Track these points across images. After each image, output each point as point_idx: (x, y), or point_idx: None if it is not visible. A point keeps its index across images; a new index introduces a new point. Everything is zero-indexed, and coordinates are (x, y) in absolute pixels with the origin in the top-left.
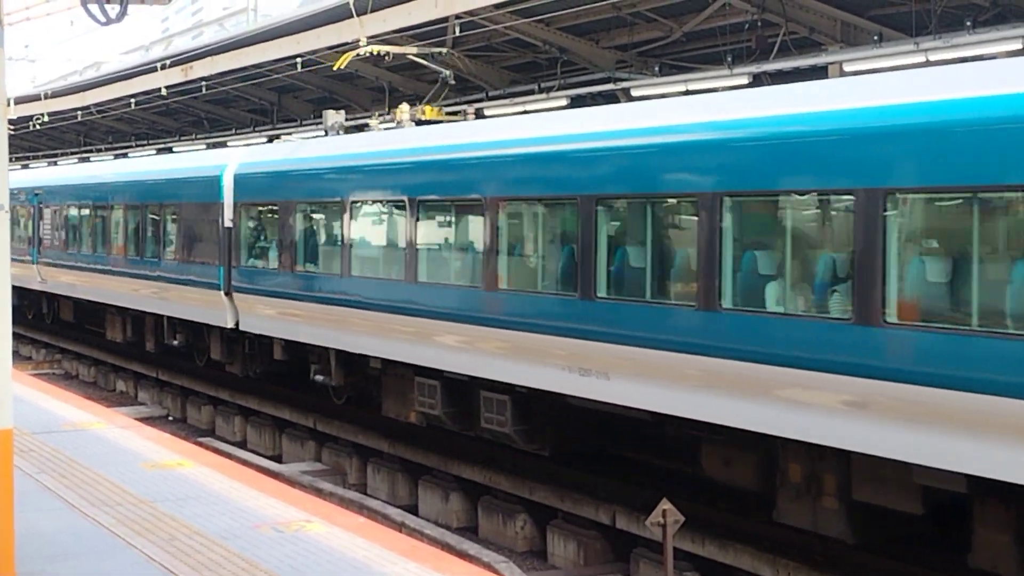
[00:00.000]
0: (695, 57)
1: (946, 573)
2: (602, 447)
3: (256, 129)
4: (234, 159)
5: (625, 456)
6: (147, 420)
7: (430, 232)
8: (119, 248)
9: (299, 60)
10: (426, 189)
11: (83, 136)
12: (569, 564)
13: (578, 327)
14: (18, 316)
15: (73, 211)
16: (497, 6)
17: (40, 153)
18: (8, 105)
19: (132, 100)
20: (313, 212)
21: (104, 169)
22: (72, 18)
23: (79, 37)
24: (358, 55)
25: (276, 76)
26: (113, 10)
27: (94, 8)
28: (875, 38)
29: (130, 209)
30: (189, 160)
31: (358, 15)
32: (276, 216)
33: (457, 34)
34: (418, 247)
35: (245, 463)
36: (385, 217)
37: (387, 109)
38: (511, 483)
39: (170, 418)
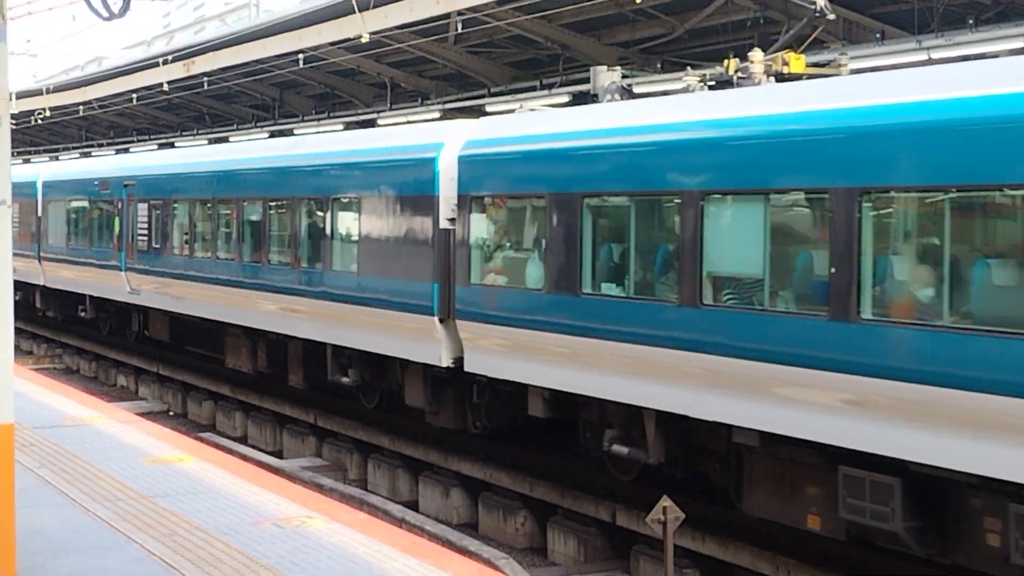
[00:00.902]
0: (697, 54)
1: (942, 571)
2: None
3: (258, 124)
4: (455, 134)
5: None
6: (148, 415)
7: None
8: (257, 255)
9: (301, 56)
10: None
11: (84, 131)
12: (569, 561)
13: None
14: (94, 329)
15: (184, 206)
16: (499, 2)
17: (41, 148)
18: (10, 100)
19: (134, 95)
20: (617, 209)
21: (231, 153)
22: (74, 13)
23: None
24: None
25: (278, 72)
26: (115, 5)
27: (96, 3)
28: (877, 36)
29: (275, 204)
30: (377, 137)
31: (360, 11)
32: (536, 212)
33: (459, 30)
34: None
35: (246, 459)
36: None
37: (388, 105)
38: (512, 479)
39: (171, 413)
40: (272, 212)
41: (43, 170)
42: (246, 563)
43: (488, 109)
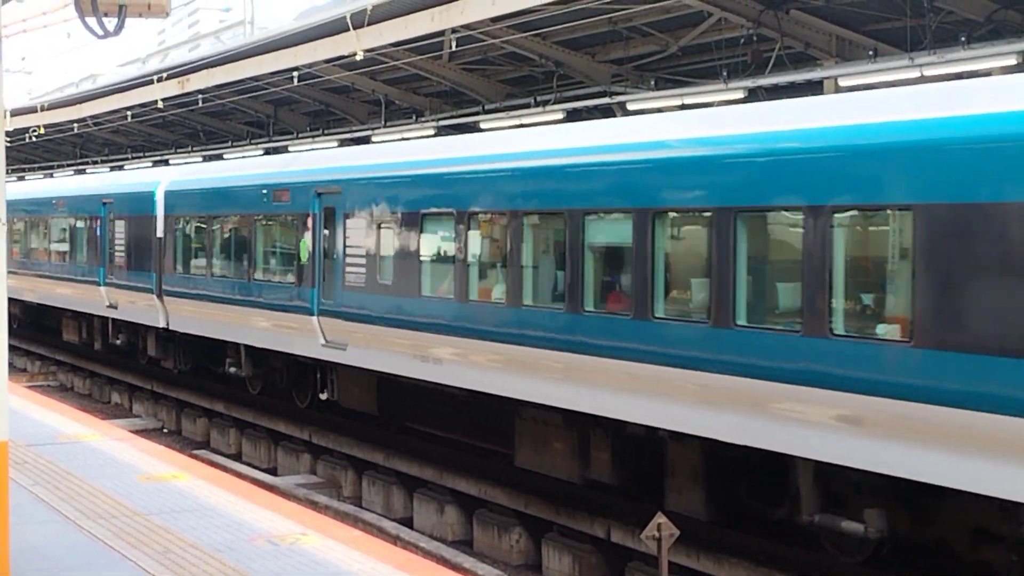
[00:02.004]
0: (691, 71)
1: None
2: None
3: (252, 142)
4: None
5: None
6: (142, 432)
7: None
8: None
9: (295, 73)
10: None
11: (79, 148)
12: None
13: None
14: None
15: (450, 224)
16: (494, 20)
17: (36, 165)
18: (4, 117)
19: (128, 112)
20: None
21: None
22: (69, 31)
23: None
24: None
25: (272, 89)
26: (110, 23)
27: (91, 21)
28: (870, 53)
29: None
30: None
31: (354, 28)
32: None
33: (453, 48)
34: None
35: (240, 475)
36: None
37: (383, 122)
38: (506, 496)
39: (165, 430)
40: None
41: (165, 175)
42: None
43: (483, 126)
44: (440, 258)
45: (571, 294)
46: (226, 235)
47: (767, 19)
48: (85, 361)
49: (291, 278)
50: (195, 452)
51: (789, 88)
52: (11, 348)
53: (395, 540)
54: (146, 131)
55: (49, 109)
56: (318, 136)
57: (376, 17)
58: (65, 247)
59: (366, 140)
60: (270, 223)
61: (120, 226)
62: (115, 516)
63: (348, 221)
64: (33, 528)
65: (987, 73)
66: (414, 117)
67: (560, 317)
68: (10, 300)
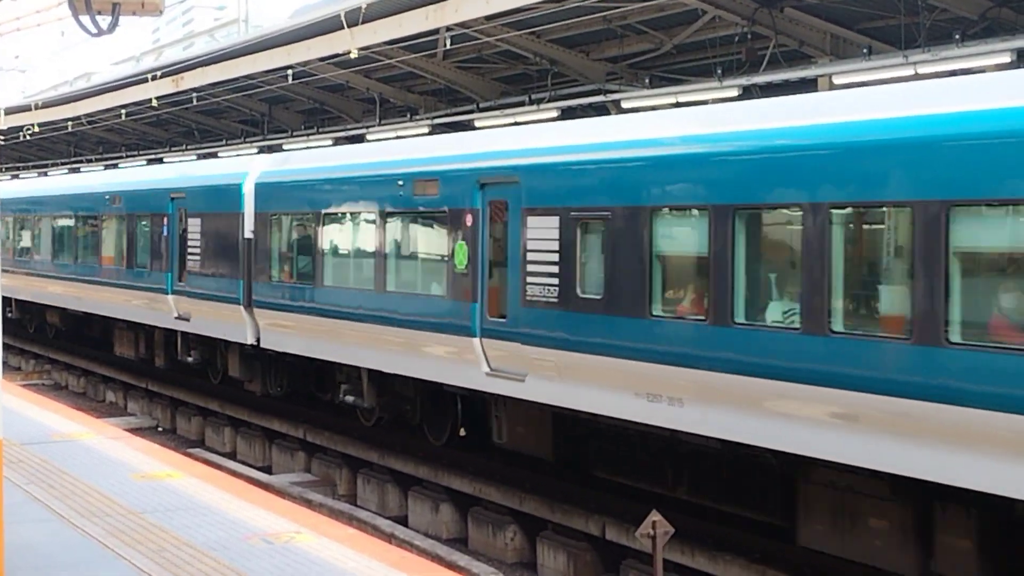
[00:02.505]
0: (685, 69)
1: None
2: None
3: (247, 140)
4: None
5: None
6: (136, 431)
7: None
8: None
9: (290, 71)
10: None
11: (73, 147)
12: (559, 575)
13: None
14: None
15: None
16: (488, 18)
17: (30, 164)
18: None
19: (123, 111)
20: None
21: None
22: (63, 29)
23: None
24: None
25: (267, 87)
26: (104, 21)
27: (85, 19)
28: (864, 51)
29: None
30: None
31: (349, 26)
32: None
33: (448, 46)
34: None
35: (235, 474)
36: None
37: (378, 120)
38: (501, 494)
39: (159, 429)
40: None
41: (254, 165)
42: None
43: (477, 124)
44: (686, 266)
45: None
46: (343, 236)
47: (761, 17)
48: (79, 359)
49: (439, 289)
50: (190, 450)
51: (783, 86)
52: (5, 347)
53: (390, 538)
54: (140, 129)
55: (43, 107)
56: (313, 134)
57: (370, 15)
58: (121, 249)
59: (360, 139)
60: (409, 221)
61: (195, 225)
62: (109, 515)
63: (530, 219)
64: (27, 527)
65: (981, 71)
66: (408, 115)
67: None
68: (48, 308)
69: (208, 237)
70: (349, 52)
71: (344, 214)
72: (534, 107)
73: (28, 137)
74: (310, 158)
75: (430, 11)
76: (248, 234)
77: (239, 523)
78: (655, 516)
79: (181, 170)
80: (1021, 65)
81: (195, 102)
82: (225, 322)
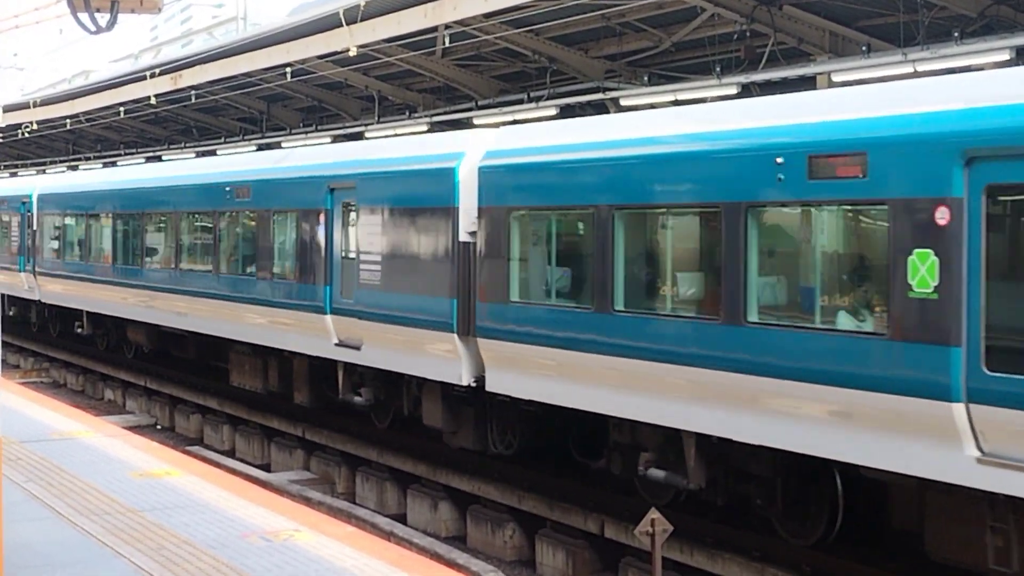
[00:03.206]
0: (684, 67)
1: None
2: None
3: (245, 138)
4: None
5: None
6: (135, 429)
7: None
8: None
9: (288, 69)
10: None
11: (72, 144)
12: (558, 573)
13: None
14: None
15: None
16: (487, 16)
17: (29, 161)
18: None
19: (121, 108)
20: None
21: None
22: (61, 26)
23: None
24: None
25: (265, 85)
26: (103, 19)
27: (84, 17)
28: (863, 49)
29: None
30: None
31: (347, 24)
32: None
33: (447, 44)
34: None
35: (233, 472)
36: None
37: (376, 118)
38: (500, 492)
39: (158, 427)
40: None
41: (475, 143)
42: None
43: (476, 122)
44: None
45: None
46: (654, 240)
47: (760, 15)
48: (78, 357)
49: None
50: (188, 448)
51: (782, 84)
52: (4, 345)
53: (388, 536)
54: (139, 127)
55: (42, 105)
56: (311, 132)
57: (369, 13)
58: (249, 255)
59: (359, 136)
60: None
61: (370, 223)
62: (108, 513)
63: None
64: (26, 525)
65: (979, 68)
66: (407, 113)
67: None
68: (131, 323)
69: (392, 239)
70: (348, 50)
71: (668, 210)
72: (533, 105)
73: (26, 135)
74: (588, 128)
75: (429, 9)
76: (465, 236)
77: (238, 521)
78: (654, 514)
79: (344, 153)
80: (1020, 63)
81: (193, 100)
82: (422, 354)
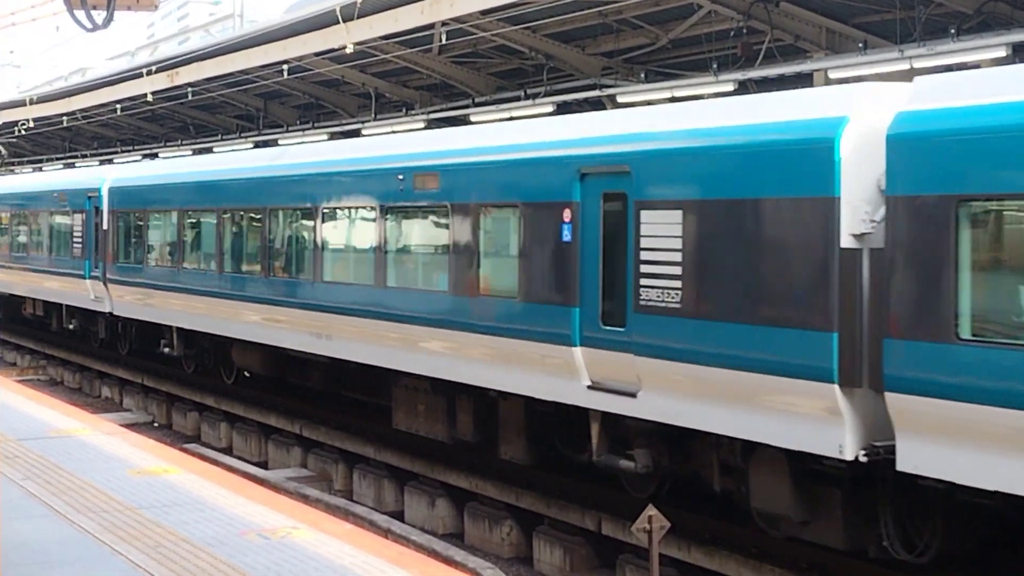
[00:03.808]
0: (681, 64)
1: None
2: None
3: (242, 135)
4: None
5: None
6: (132, 426)
7: None
8: None
9: (285, 66)
10: None
11: (68, 142)
12: (555, 570)
13: None
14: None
15: None
16: (484, 12)
17: (25, 159)
18: None
19: (118, 106)
20: None
21: None
22: (58, 24)
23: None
24: None
25: (262, 82)
26: (99, 16)
27: (80, 14)
28: (860, 45)
29: None
30: None
31: (344, 21)
32: None
33: (444, 41)
34: None
35: (231, 469)
36: None
37: (373, 116)
38: (497, 489)
39: (155, 424)
40: None
41: (859, 104)
42: (231, 575)
43: (472, 119)
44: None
45: None
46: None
47: (757, 11)
48: (75, 355)
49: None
50: (186, 446)
51: (779, 80)
52: (1, 342)
53: (386, 533)
54: (135, 124)
55: (38, 103)
56: (308, 129)
57: (366, 10)
58: (428, 264)
59: (357, 133)
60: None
61: (655, 223)
62: (106, 510)
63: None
64: (24, 522)
65: (976, 65)
66: (404, 110)
67: None
68: (239, 343)
69: (701, 245)
70: (344, 47)
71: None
72: (529, 102)
73: (23, 132)
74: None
75: (425, 6)
76: (849, 241)
77: (236, 519)
78: (651, 511)
79: (604, 125)
80: (1016, 60)
81: (190, 97)
82: (756, 409)
